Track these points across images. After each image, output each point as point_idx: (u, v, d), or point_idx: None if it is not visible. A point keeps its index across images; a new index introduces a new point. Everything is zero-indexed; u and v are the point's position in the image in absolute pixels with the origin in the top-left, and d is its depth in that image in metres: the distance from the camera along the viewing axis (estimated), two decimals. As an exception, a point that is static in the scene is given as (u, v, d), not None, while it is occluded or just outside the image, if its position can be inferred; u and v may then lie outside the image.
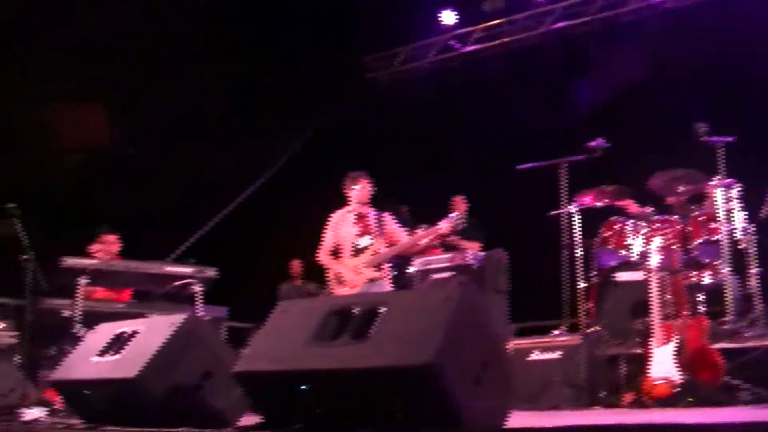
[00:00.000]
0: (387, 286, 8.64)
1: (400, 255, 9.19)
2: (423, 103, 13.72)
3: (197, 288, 8.49)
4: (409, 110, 13.79)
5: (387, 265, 8.75)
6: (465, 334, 3.62)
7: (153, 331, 4.93)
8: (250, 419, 4.68)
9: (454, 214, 8.88)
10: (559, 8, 12.84)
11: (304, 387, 3.85)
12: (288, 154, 13.24)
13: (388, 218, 8.88)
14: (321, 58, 13.33)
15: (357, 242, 8.71)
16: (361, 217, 8.80)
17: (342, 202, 8.84)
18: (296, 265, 13.09)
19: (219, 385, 4.77)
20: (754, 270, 8.44)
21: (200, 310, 8.31)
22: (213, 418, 4.66)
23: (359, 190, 8.77)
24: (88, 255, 9.24)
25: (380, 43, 14.24)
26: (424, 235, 8.94)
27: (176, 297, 8.71)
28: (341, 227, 8.84)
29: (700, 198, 9.06)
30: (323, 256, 8.88)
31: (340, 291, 8.56)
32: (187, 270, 8.58)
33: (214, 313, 8.59)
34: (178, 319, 4.87)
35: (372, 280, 8.58)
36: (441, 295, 3.71)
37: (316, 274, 10.69)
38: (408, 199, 10.98)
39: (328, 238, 8.88)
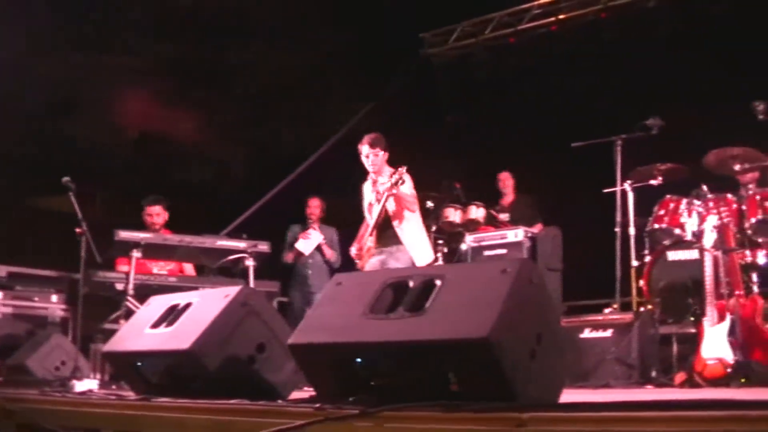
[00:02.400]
0: (396, 254, 8.37)
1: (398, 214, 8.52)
2: (478, 80, 13.68)
3: (250, 263, 8.54)
4: (465, 87, 13.77)
5: (410, 233, 8.46)
6: (521, 307, 3.61)
7: (207, 302, 4.94)
8: (303, 392, 4.70)
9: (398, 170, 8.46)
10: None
11: (359, 360, 3.86)
12: (343, 129, 13.22)
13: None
14: (383, 34, 13.30)
15: (372, 210, 8.54)
16: (374, 183, 8.62)
17: (411, 175, 8.61)
18: (314, 204, 11.48)
19: (273, 358, 4.78)
20: (810, 249, 8.36)
21: (253, 284, 8.35)
22: (266, 390, 4.66)
23: (366, 158, 8.57)
24: (142, 225, 9.36)
25: (439, 20, 14.19)
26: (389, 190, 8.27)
27: (229, 271, 8.77)
28: (365, 198, 8.73)
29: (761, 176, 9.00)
30: (360, 231, 8.80)
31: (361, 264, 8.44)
32: (240, 244, 8.62)
33: (266, 288, 8.63)
34: (232, 290, 4.88)
35: (380, 249, 8.41)
36: (498, 268, 3.69)
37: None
38: (464, 175, 10.98)
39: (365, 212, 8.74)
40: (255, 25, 13.30)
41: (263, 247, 8.68)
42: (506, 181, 11.12)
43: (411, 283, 3.91)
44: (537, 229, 10.37)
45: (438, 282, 3.80)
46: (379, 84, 13.69)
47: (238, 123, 13.86)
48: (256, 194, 12.70)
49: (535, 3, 13.40)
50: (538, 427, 3.11)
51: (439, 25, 14.38)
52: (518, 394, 3.50)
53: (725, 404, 3.14)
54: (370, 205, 8.57)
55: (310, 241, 11.21)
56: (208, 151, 13.96)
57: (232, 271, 8.70)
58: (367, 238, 8.39)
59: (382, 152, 8.54)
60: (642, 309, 8.22)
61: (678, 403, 3.25)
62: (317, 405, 3.67)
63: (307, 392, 4.32)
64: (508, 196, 11.14)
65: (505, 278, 3.61)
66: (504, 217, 10.69)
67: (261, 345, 4.78)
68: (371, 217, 8.49)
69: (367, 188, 8.73)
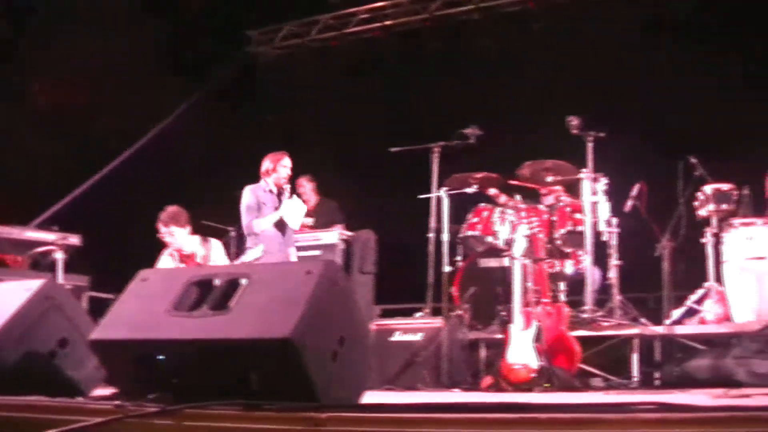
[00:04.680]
0: None
1: None
2: (302, 81, 13.65)
3: (59, 255, 8.32)
4: (288, 87, 13.72)
5: None
6: (325, 309, 3.63)
7: (8, 295, 4.79)
8: (104, 389, 4.61)
9: None
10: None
11: (161, 357, 3.82)
12: (163, 123, 13.00)
13: (215, 246, 8.54)
14: (210, 29, 13.15)
15: None
16: (189, 258, 8.36)
17: (226, 172, 8.46)
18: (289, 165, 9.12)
19: (75, 354, 4.69)
20: (614, 261, 8.66)
21: (60, 277, 8.15)
22: (67, 386, 4.57)
23: (166, 238, 8.31)
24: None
25: (266, 18, 14.09)
26: None
27: (38, 264, 8.54)
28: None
29: (570, 189, 9.28)
30: None
31: None
32: (50, 236, 8.41)
33: (75, 282, 8.44)
34: (34, 284, 4.76)
35: None
36: (302, 270, 3.71)
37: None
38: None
39: None
40: (75, 11, 12.95)
41: (74, 239, 8.49)
42: (303, 187, 11.07)
43: (216, 282, 3.89)
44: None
45: (243, 281, 3.80)
46: (203, 79, 13.53)
47: (54, 111, 13.47)
48: (72, 186, 12.38)
49: (362, 8, 13.46)
50: (336, 427, 3.15)
51: (267, 24, 14.30)
52: (319, 395, 3.52)
53: (519, 407, 3.23)
54: None
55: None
56: (21, 140, 13.52)
57: (41, 264, 8.48)
58: None
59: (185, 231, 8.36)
60: (452, 314, 8.36)
61: (474, 406, 3.33)
62: (116, 402, 3.62)
63: (110, 389, 4.24)
64: (310, 201, 11.06)
65: (309, 279, 3.63)
66: (308, 221, 10.59)
67: (63, 340, 4.69)
68: None
69: (165, 262, 8.38)
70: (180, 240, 8.27)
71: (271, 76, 14.05)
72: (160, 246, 10.05)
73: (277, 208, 8.68)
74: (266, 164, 8.85)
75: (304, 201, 10.65)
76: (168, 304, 3.88)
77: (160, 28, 13.12)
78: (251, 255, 8.34)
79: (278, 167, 8.81)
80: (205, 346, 3.70)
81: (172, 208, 8.26)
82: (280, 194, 8.79)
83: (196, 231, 8.47)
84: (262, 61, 14.38)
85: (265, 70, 14.22)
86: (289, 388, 3.51)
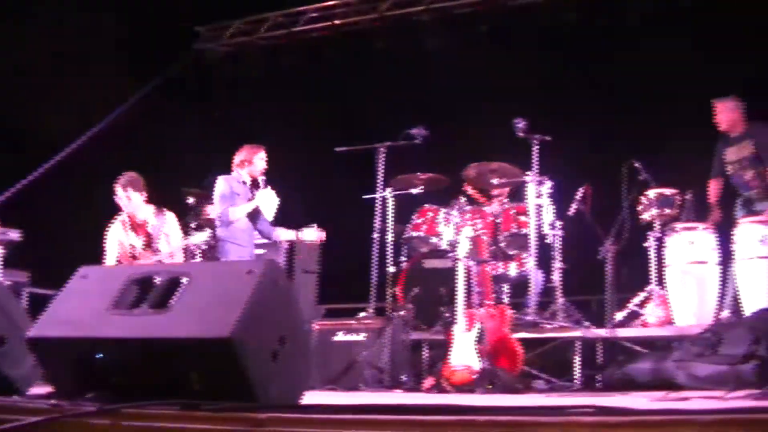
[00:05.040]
0: None
1: None
2: (250, 78, 13.59)
3: (-2, 250, 8.24)
4: (236, 84, 13.67)
5: None
6: (265, 309, 3.62)
7: (-56, 292, 4.74)
8: (41, 388, 4.56)
9: None
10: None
11: (100, 355, 3.77)
12: (110, 117, 12.85)
13: (169, 219, 8.48)
14: (158, 24, 13.02)
15: (143, 255, 8.21)
16: (140, 226, 8.34)
17: (173, 169, 8.39)
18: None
19: (12, 352, 4.61)
20: (558, 264, 8.72)
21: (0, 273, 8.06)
22: (3, 385, 4.50)
23: (122, 201, 8.25)
24: None
25: (215, 14, 14.00)
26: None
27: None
28: (121, 239, 8.34)
29: (515, 191, 9.34)
30: None
31: None
32: (-13, 232, 8.32)
33: (14, 278, 8.35)
34: (-30, 280, 4.71)
35: None
36: (244, 269, 3.70)
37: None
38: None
39: (110, 255, 8.27)
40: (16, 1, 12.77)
41: (14, 235, 8.39)
42: None
43: (157, 280, 3.86)
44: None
45: (184, 280, 3.77)
46: (150, 74, 13.41)
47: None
48: (12, 180, 12.22)
49: (311, 6, 13.42)
50: (276, 427, 3.13)
51: (215, 21, 14.21)
52: (259, 395, 3.51)
53: (458, 410, 3.23)
54: (141, 248, 8.25)
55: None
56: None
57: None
58: None
59: (137, 196, 8.28)
60: (395, 314, 8.36)
61: (414, 407, 3.32)
62: (53, 401, 3.57)
63: (47, 387, 4.19)
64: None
65: (250, 279, 3.61)
66: None
67: (1, 338, 4.61)
68: (136, 254, 8.20)
69: (118, 230, 8.35)
70: (135, 205, 8.21)
71: (219, 72, 13.97)
72: (101, 242, 10.02)
73: (249, 200, 8.65)
74: (242, 156, 8.83)
75: None
76: (108, 301, 3.83)
77: (107, 21, 12.99)
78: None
79: (255, 159, 8.79)
80: (144, 344, 3.66)
81: (130, 173, 8.24)
82: (253, 186, 8.75)
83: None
84: (210, 57, 14.28)
85: (214, 66, 14.13)
86: (229, 387, 3.49)
